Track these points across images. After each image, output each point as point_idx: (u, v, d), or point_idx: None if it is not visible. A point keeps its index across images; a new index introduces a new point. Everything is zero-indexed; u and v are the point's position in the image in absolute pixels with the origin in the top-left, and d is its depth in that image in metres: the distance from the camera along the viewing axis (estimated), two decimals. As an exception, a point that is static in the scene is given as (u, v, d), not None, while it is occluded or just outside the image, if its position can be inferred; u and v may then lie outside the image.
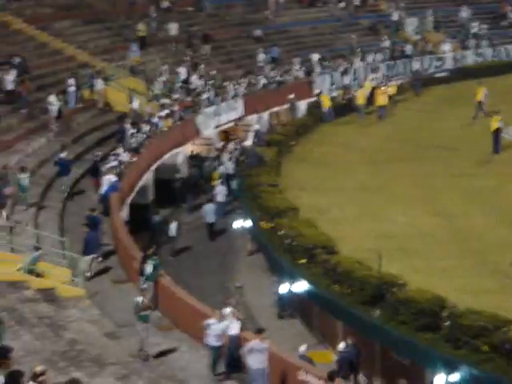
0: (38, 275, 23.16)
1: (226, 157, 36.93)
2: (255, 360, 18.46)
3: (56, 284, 23.02)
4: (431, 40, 55.19)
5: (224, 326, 19.59)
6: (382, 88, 44.13)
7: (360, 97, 43.89)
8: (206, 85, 41.42)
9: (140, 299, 20.50)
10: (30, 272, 23.09)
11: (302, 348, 20.39)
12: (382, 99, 43.07)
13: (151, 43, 45.90)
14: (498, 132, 35.42)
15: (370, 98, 44.21)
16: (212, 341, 19.57)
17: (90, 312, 22.15)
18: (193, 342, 21.19)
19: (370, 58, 49.90)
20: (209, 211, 32.44)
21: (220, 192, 33.85)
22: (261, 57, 47.03)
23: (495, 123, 35.41)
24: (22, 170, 28.51)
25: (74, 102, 37.97)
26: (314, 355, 21.10)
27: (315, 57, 47.83)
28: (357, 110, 43.84)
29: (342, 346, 20.73)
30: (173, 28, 46.73)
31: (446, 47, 53.28)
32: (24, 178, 28.14)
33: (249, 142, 37.85)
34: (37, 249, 24.00)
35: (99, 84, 39.12)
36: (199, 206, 33.83)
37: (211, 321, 19.65)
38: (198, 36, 47.58)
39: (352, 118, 43.57)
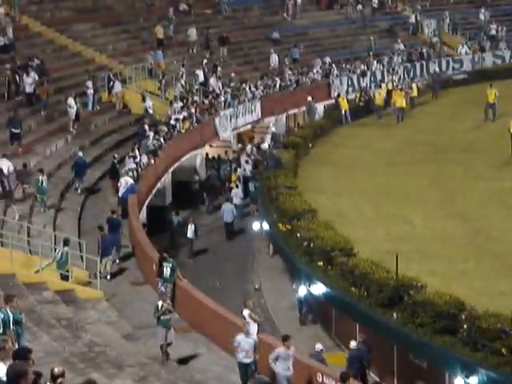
0: (66, 273, 23.14)
1: (243, 159, 36.98)
2: (281, 367, 18.43)
3: (74, 286, 23.12)
4: (449, 42, 55.02)
5: (252, 340, 19.10)
6: (401, 90, 44.11)
7: (378, 98, 43.90)
8: (224, 87, 41.51)
9: (160, 303, 20.27)
10: (62, 267, 23.04)
11: (319, 346, 20.47)
12: (400, 101, 43.07)
13: (169, 45, 46.02)
14: None
15: (388, 100, 44.25)
16: (242, 357, 19.02)
17: (108, 314, 22.24)
18: (210, 344, 21.23)
19: (387, 60, 49.88)
20: (227, 211, 32.58)
21: (236, 195, 33.94)
22: (274, 58, 46.92)
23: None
24: (41, 171, 28.67)
25: (92, 105, 38.14)
26: (329, 357, 21.08)
27: (327, 60, 47.78)
28: (375, 111, 43.84)
29: (353, 343, 20.79)
30: (192, 33, 46.74)
31: (463, 49, 53.10)
32: (43, 180, 28.29)
33: (265, 145, 37.91)
34: (65, 242, 23.53)
35: (117, 86, 39.29)
36: (218, 207, 33.94)
37: (240, 337, 19.06)
38: (215, 38, 47.66)
39: (370, 120, 43.57)
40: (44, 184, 28.32)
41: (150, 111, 38.13)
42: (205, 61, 44.15)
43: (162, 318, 20.10)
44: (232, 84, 42.05)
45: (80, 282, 23.45)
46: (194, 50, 45.91)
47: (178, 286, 22.90)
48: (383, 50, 52.17)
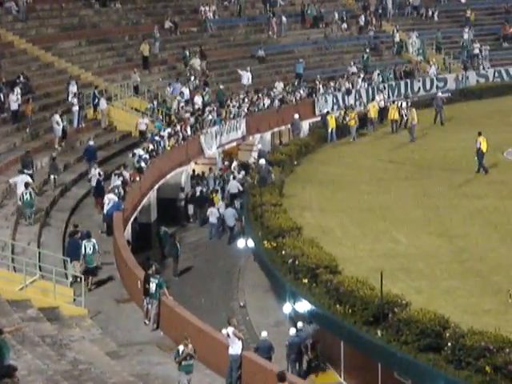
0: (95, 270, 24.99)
1: (229, 176, 37.05)
2: None
3: (59, 303, 23.04)
4: (433, 61, 55.42)
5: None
6: (394, 102, 45.07)
7: (372, 110, 44.82)
8: (209, 105, 41.61)
9: (181, 348, 18.99)
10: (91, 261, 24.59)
11: (264, 333, 21.73)
12: (394, 114, 44.15)
13: (155, 63, 46.11)
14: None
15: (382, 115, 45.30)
16: None
17: (92, 331, 22.15)
18: (195, 361, 21.15)
19: (374, 78, 50.30)
20: (229, 216, 33.16)
21: (212, 213, 34.05)
22: (246, 77, 46.80)
23: (484, 143, 35.85)
24: (26, 186, 28.54)
25: (77, 122, 38.13)
26: (318, 378, 21.07)
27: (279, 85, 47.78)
28: (369, 123, 44.53)
29: (292, 330, 21.83)
30: (196, 63, 46.64)
31: (432, 70, 53.46)
32: (28, 194, 28.16)
33: (252, 161, 38.09)
34: (88, 236, 24.94)
35: (103, 103, 39.32)
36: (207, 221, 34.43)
37: None
38: (195, 52, 47.72)
39: (356, 138, 43.74)
40: (30, 198, 28.19)
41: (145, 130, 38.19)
42: (191, 78, 44.28)
43: (183, 363, 18.97)
44: (214, 101, 42.17)
45: (64, 300, 23.36)
46: (197, 80, 45.50)
47: (163, 304, 22.85)
48: (369, 68, 52.52)
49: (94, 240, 25.41)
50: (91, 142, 35.29)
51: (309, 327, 23.18)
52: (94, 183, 32.01)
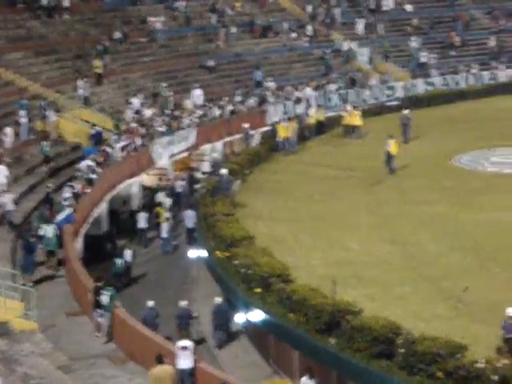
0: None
1: (178, 186, 37.04)
2: None
3: (8, 317, 22.71)
4: (381, 69, 56.00)
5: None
6: (354, 111, 45.70)
7: (349, 119, 45.44)
8: (161, 115, 41.48)
9: None
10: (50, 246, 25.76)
11: (151, 302, 23.35)
12: (356, 120, 45.12)
13: (104, 75, 45.79)
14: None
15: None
16: None
17: (43, 345, 21.87)
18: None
19: (323, 87, 50.67)
20: (188, 217, 33.01)
21: (163, 228, 33.77)
22: (196, 94, 46.14)
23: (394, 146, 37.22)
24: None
25: (26, 134, 37.71)
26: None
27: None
28: (352, 131, 45.26)
29: (217, 299, 24.64)
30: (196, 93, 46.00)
31: (373, 81, 53.97)
32: None
33: (206, 170, 38.25)
34: (47, 221, 26.83)
35: (51, 115, 38.93)
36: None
37: None
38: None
39: (305, 147, 43.94)
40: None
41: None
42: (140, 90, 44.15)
43: None
44: (166, 112, 42.06)
45: (14, 314, 23.03)
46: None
47: (115, 316, 22.67)
48: (318, 77, 52.85)
49: (53, 225, 27.04)
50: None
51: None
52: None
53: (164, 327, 23.88)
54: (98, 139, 37.89)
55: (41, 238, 27.40)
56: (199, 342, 24.37)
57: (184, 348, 19.84)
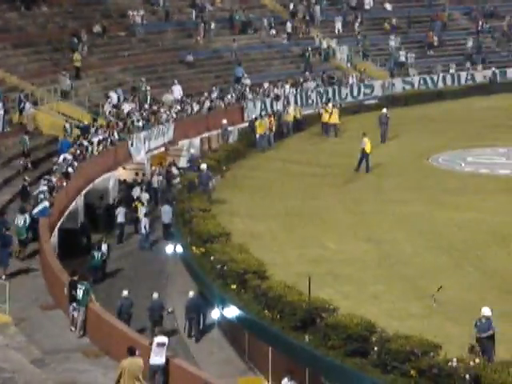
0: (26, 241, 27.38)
1: (155, 182, 36.96)
2: None
3: (-18, 311, 22.59)
4: (360, 68, 56.15)
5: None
6: (330, 108, 45.97)
7: (327, 116, 45.62)
8: (138, 110, 41.36)
9: None
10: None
11: (125, 292, 24.24)
12: (333, 118, 45.52)
13: (82, 68, 45.52)
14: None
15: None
16: None
17: (16, 339, 21.74)
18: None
19: (302, 84, 50.74)
20: (165, 212, 33.10)
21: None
22: (176, 90, 45.95)
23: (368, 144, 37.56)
24: None
25: (2, 126, 37.44)
26: (244, 382, 21.08)
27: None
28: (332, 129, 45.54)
29: (191, 293, 25.41)
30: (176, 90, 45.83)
31: (351, 80, 53.85)
32: None
33: (183, 165, 38.16)
34: (22, 212, 27.83)
35: (28, 108, 38.68)
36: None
37: None
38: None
39: (283, 144, 44.01)
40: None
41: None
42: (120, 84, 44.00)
43: None
44: (143, 106, 41.96)
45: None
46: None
47: (90, 310, 22.59)
48: (297, 74, 52.89)
49: (26, 215, 27.54)
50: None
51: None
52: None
53: (138, 321, 23.87)
54: (85, 134, 37.22)
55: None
56: (172, 333, 24.45)
57: (160, 344, 19.81)
